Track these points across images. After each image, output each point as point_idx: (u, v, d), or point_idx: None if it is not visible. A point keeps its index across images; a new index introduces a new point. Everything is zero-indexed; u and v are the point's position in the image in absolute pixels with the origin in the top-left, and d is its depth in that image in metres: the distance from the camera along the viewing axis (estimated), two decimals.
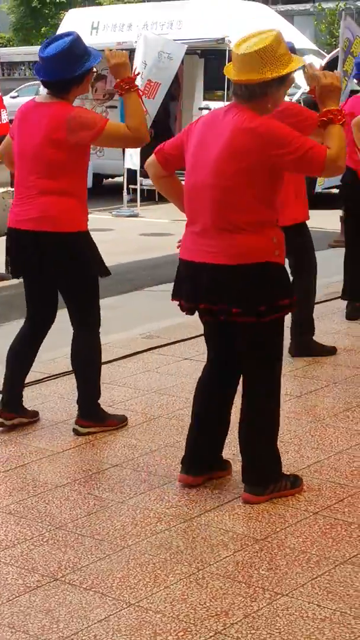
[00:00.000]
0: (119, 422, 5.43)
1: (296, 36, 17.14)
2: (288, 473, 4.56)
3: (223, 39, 15.21)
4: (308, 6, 21.43)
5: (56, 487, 4.65)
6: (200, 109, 15.84)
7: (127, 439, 5.26)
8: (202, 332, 4.67)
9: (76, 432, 5.33)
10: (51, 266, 5.16)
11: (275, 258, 4.29)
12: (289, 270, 4.71)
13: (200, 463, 4.63)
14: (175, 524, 4.23)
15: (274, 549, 3.98)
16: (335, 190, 12.14)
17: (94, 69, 5.18)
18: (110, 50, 5.17)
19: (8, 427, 5.40)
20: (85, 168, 5.19)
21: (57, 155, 5.04)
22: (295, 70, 4.34)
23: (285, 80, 4.30)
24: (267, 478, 4.44)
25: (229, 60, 4.44)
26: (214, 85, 15.67)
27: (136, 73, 5.28)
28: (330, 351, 6.70)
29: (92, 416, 5.37)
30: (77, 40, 5.07)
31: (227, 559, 3.91)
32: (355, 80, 8.32)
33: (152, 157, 4.56)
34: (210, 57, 15.82)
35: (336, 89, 4.42)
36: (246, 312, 4.27)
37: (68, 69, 5.04)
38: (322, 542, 4.03)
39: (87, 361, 5.35)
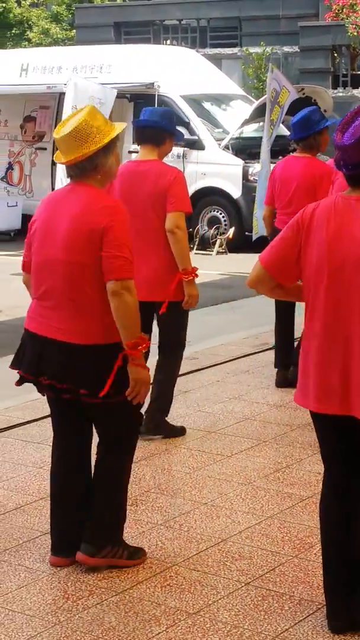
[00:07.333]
0: None
1: (224, 80, 17.34)
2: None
3: (152, 83, 15.35)
4: (235, 50, 21.66)
5: None
6: (130, 152, 15.89)
7: None
8: (47, 414, 4.55)
9: None
10: None
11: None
12: None
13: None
14: (107, 597, 4.21)
15: (207, 624, 3.97)
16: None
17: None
18: None
19: None
20: None
21: None
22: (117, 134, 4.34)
23: (110, 148, 4.37)
24: (106, 540, 4.40)
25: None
26: None
27: None
28: (181, 432, 6.30)
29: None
30: None
31: (160, 636, 3.89)
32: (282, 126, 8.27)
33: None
34: (140, 102, 15.91)
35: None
36: (92, 395, 4.24)
37: None
38: (255, 616, 4.03)
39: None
